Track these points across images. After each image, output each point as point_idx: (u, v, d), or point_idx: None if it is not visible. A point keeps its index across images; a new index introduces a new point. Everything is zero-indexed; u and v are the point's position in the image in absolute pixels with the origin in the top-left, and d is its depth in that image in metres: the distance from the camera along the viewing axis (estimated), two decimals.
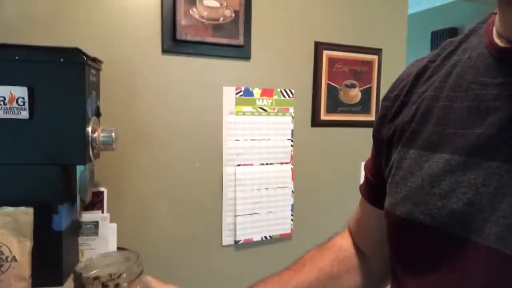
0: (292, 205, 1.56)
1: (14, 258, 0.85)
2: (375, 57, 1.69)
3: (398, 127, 0.51)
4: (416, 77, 0.51)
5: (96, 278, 0.51)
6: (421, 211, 0.43)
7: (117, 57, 1.26)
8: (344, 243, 0.66)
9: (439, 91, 0.47)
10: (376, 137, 0.56)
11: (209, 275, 1.43)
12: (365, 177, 0.62)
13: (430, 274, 0.42)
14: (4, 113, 0.88)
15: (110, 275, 0.51)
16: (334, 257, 0.64)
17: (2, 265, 0.84)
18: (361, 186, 0.63)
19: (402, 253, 0.48)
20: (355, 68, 1.66)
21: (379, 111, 0.56)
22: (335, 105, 1.62)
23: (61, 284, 0.96)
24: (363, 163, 1.70)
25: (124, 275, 0.52)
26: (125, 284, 0.52)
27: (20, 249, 0.86)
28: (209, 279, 1.44)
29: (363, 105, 1.69)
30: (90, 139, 0.96)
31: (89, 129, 0.96)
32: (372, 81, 1.70)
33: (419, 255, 0.45)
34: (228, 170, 1.44)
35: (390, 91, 0.56)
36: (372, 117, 1.71)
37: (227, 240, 1.45)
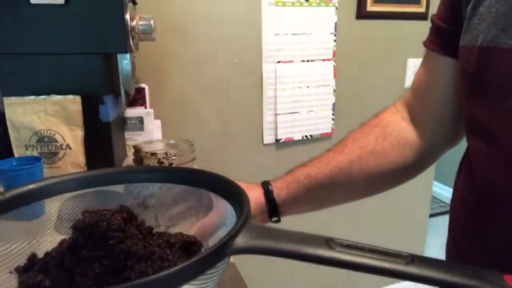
0: (333, 104, 1.51)
1: (68, 146, 0.86)
2: None
3: None
4: None
5: (153, 154, 0.51)
6: (510, 36, 0.40)
7: None
8: (393, 118, 0.62)
9: None
10: None
11: (250, 172, 1.46)
12: (433, 27, 0.57)
13: None
14: None
15: (166, 153, 0.51)
16: (380, 134, 0.60)
17: (58, 152, 0.85)
18: (425, 41, 0.58)
19: (483, 89, 0.45)
20: None
21: None
22: None
23: None
24: (410, 61, 1.60)
25: (177, 157, 0.51)
26: (178, 164, 0.52)
27: (73, 137, 0.87)
28: (250, 176, 1.47)
29: None
30: (129, 27, 0.91)
31: (127, 16, 0.91)
32: None
33: (506, 85, 0.41)
34: (268, 67, 1.38)
35: None
36: (422, 9, 1.56)
37: (268, 138, 1.44)
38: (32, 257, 0.29)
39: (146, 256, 0.26)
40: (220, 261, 0.24)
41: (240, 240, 0.25)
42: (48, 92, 0.85)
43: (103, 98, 0.93)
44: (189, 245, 0.30)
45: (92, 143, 0.92)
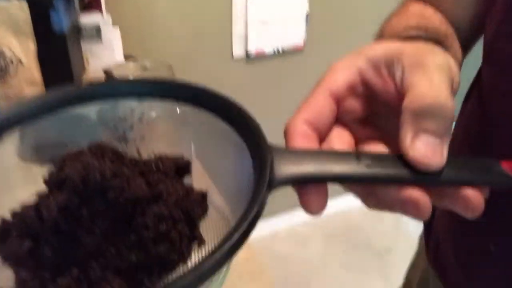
0: (307, 15, 1.42)
1: (19, 61, 0.76)
2: None
3: None
4: None
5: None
6: None
7: None
8: (425, 11, 0.47)
9: None
10: None
11: (219, 90, 1.40)
12: None
13: None
14: None
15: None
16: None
17: (9, 68, 0.75)
18: None
19: None
20: None
21: None
22: None
23: None
24: None
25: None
26: None
27: (24, 50, 0.76)
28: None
29: None
30: None
31: None
32: None
33: None
34: None
35: None
36: None
37: (238, 52, 1.37)
38: (3, 222, 0.25)
39: (155, 196, 0.23)
40: (265, 201, 0.20)
41: (280, 171, 0.21)
42: None
43: (53, 2, 0.80)
44: (181, 168, 0.27)
45: (47, 57, 0.82)
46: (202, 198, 0.25)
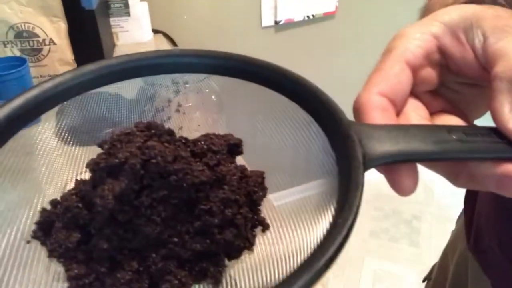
0: None
1: (51, 41, 0.75)
2: None
3: None
4: None
5: None
6: None
7: None
8: None
9: None
10: None
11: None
12: None
13: None
14: None
15: None
16: None
17: (42, 49, 0.75)
18: None
19: None
20: None
21: None
22: None
23: None
24: None
25: None
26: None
27: (56, 30, 0.76)
28: None
29: None
30: None
31: None
32: None
33: None
34: None
35: None
36: None
37: (267, 20, 1.32)
38: (44, 212, 0.22)
39: (218, 180, 0.21)
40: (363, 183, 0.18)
41: (371, 150, 0.19)
42: None
43: None
44: (233, 147, 0.24)
45: (77, 35, 0.81)
46: (261, 179, 0.23)
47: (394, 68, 0.22)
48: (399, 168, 0.20)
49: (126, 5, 1.02)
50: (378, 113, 0.21)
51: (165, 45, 1.11)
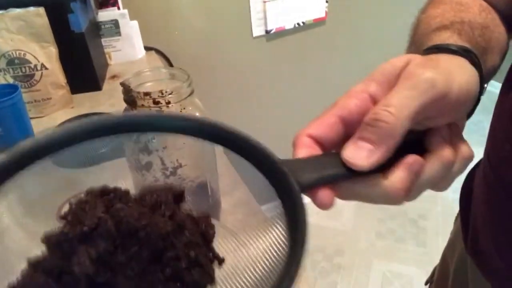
0: None
1: (43, 66, 0.77)
2: None
3: None
4: None
5: (147, 93, 0.44)
6: None
7: None
8: None
9: None
10: None
11: (240, 70, 1.38)
12: None
13: None
14: None
15: (161, 91, 0.44)
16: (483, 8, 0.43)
17: (34, 74, 0.77)
18: None
19: None
20: None
21: None
22: None
23: (100, 88, 0.92)
24: None
25: (174, 93, 0.44)
26: (176, 102, 0.45)
27: (46, 55, 0.78)
28: (241, 74, 1.40)
29: None
30: None
31: None
32: None
33: None
34: None
35: None
36: None
37: (258, 30, 1.33)
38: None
39: (180, 227, 0.22)
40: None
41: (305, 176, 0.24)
42: (4, 6, 0.73)
43: (70, 5, 0.81)
44: (177, 197, 0.25)
45: (68, 58, 0.83)
46: (208, 219, 0.25)
47: (329, 119, 0.27)
48: (319, 189, 0.24)
49: (117, 25, 1.04)
50: (304, 150, 0.26)
51: (158, 62, 1.13)
